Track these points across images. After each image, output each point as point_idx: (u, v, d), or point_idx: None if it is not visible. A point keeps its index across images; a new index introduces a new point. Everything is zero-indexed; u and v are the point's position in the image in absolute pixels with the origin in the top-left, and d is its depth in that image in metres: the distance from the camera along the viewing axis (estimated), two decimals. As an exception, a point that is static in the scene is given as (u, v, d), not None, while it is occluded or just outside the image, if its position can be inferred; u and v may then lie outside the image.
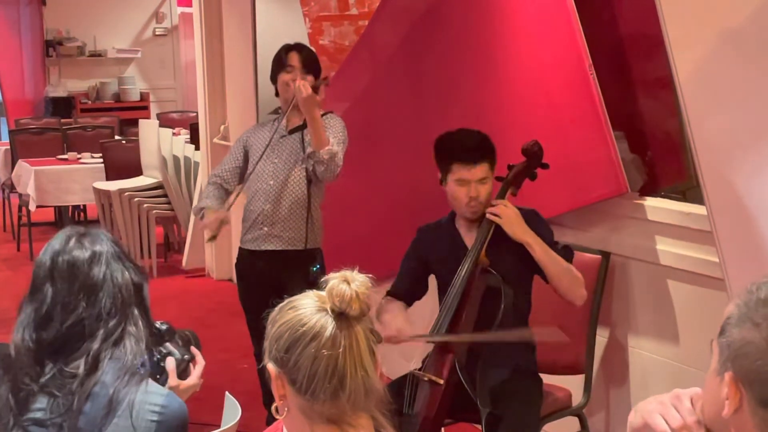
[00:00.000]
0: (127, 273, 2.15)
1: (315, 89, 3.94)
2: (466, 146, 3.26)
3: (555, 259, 3.18)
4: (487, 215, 3.23)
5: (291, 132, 4.11)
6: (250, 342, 4.30)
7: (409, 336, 3.21)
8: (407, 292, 3.46)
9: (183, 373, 2.34)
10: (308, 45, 4.41)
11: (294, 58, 4.10)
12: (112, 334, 2.08)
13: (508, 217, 3.19)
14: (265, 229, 4.10)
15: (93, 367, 2.06)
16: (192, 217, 7.60)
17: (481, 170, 3.23)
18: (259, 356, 4.20)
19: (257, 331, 4.14)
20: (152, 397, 2.06)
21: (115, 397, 2.03)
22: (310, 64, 4.13)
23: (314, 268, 4.05)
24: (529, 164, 3.32)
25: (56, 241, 2.17)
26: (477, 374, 3.18)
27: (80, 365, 2.05)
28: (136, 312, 2.14)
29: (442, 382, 3.18)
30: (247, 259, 4.21)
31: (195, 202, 7.60)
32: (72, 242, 2.15)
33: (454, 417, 3.43)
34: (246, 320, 4.30)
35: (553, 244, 3.23)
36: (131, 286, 2.15)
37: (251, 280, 4.20)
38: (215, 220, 4.09)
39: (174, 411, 2.07)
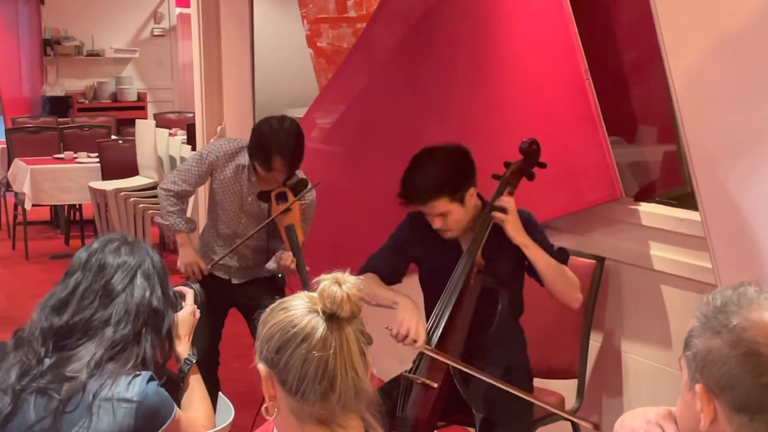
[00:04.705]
0: (148, 293, 2.22)
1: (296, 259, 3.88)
2: (411, 188, 3.18)
3: (550, 262, 3.17)
4: (493, 215, 3.16)
5: (260, 196, 3.97)
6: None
7: (423, 346, 3.10)
8: (386, 275, 3.36)
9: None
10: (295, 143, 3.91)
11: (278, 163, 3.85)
12: (117, 344, 2.15)
13: (510, 219, 3.14)
14: (233, 271, 4.17)
15: (94, 372, 2.11)
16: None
17: (436, 206, 3.14)
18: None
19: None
20: (134, 382, 2.13)
21: (95, 402, 2.08)
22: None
23: (280, 275, 4.10)
24: (526, 163, 3.26)
25: (99, 242, 2.28)
26: (472, 379, 3.16)
27: (83, 369, 2.11)
28: (149, 335, 2.20)
29: (436, 386, 3.16)
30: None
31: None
32: (112, 247, 2.25)
33: (447, 419, 3.42)
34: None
35: (549, 248, 3.21)
36: (148, 307, 2.21)
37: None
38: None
39: (152, 397, 2.13)
